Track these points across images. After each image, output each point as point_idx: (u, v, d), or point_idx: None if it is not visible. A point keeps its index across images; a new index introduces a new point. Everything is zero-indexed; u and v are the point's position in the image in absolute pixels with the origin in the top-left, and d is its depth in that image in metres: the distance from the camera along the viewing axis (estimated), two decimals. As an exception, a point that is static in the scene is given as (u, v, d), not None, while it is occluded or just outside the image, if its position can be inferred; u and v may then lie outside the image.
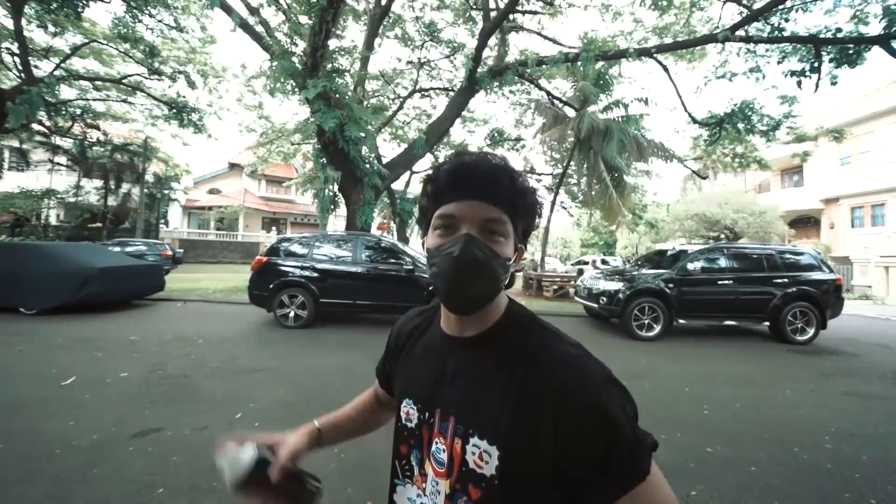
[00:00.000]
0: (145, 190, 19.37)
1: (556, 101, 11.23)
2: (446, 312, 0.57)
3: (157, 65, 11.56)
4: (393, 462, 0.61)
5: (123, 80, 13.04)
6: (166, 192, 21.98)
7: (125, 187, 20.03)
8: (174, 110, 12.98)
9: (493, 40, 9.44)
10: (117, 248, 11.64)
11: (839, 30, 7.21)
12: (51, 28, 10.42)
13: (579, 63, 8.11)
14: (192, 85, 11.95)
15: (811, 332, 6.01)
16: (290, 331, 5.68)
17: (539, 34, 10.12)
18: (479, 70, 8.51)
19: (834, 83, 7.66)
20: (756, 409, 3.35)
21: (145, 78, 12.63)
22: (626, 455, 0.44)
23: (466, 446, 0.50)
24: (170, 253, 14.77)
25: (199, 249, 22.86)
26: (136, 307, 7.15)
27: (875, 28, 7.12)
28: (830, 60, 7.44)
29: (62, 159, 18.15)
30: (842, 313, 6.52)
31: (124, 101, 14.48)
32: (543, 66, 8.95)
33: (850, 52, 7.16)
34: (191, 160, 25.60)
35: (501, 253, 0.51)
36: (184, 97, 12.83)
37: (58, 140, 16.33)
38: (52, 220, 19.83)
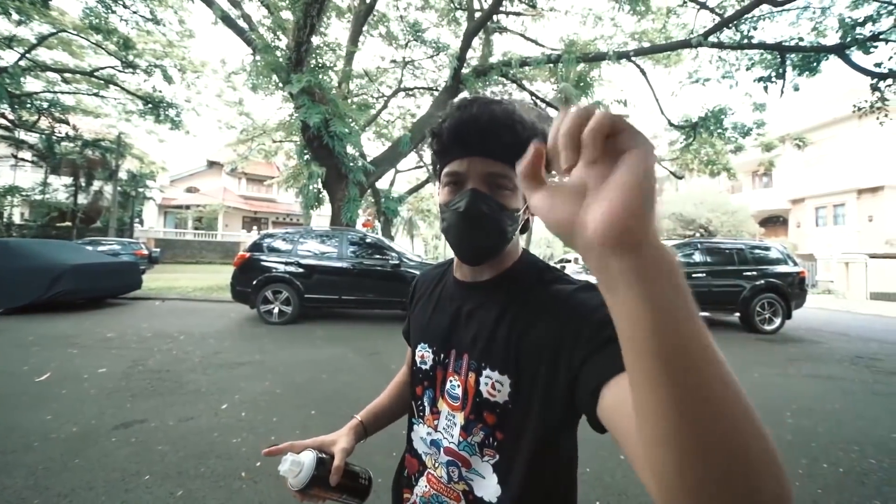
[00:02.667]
0: (119, 188, 18.62)
1: (539, 102, 11.47)
2: (460, 262, 0.60)
3: (131, 58, 11.19)
4: (410, 403, 0.64)
5: (95, 73, 12.56)
6: (141, 190, 21.22)
7: (97, 185, 19.23)
8: (150, 105, 12.60)
9: (477, 41, 9.58)
10: (90, 248, 11.17)
11: (801, 39, 7.68)
12: (14, 16, 9.94)
13: (561, 64, 8.33)
14: (168, 79, 11.63)
15: (778, 321, 6.37)
16: (275, 326, 5.63)
17: (522, 36, 10.34)
18: (463, 70, 8.63)
19: (796, 90, 8.16)
20: (726, 390, 3.56)
21: (119, 71, 12.22)
22: (610, 342, 0.41)
23: (480, 378, 0.52)
24: (145, 252, 14.27)
25: (176, 249, 22.17)
26: (112, 305, 6.91)
27: (832, 39, 7.62)
28: (794, 68, 7.92)
29: (27, 155, 17.27)
30: (807, 307, 6.93)
31: (96, 94, 13.95)
32: (526, 67, 9.15)
33: (811, 60, 7.64)
34: (167, 157, 24.85)
35: (508, 205, 0.52)
36: (160, 92, 12.46)
37: (22, 134, 15.56)
38: (16, 219, 18.83)
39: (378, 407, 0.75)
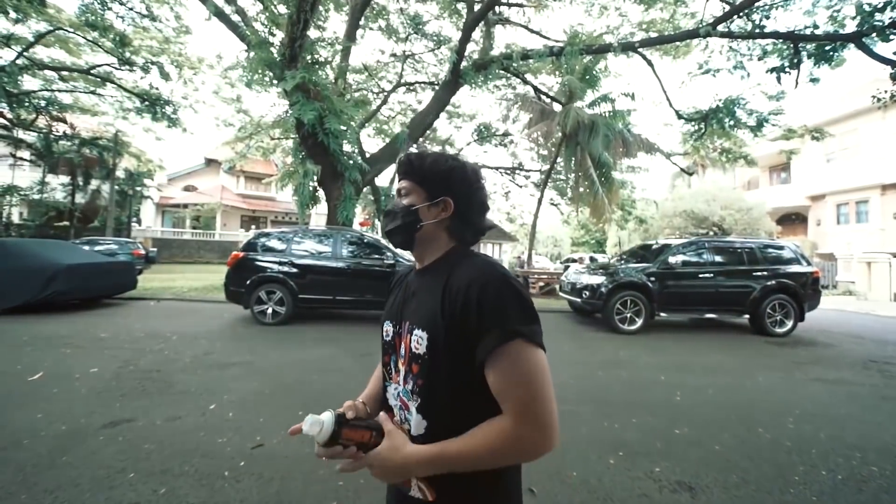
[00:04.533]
0: (116, 187, 18.95)
1: (543, 96, 11.47)
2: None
3: (127, 55, 11.39)
4: (382, 370, 0.83)
5: (92, 71, 12.80)
6: (138, 189, 21.52)
7: (94, 184, 19.57)
8: (147, 103, 12.79)
9: (477, 34, 9.60)
10: (86, 247, 11.43)
11: (816, 27, 7.58)
12: (12, 14, 10.19)
13: (564, 57, 8.32)
14: (165, 76, 11.80)
15: (790, 324, 6.32)
16: (268, 327, 5.74)
17: (525, 27, 10.33)
18: (463, 64, 8.66)
19: (814, 82, 8.05)
20: (727, 394, 3.56)
21: (115, 68, 12.43)
22: (485, 329, 0.63)
23: (411, 336, 0.72)
24: (142, 252, 14.53)
25: (173, 249, 22.49)
26: (107, 306, 7.08)
27: (852, 27, 7.50)
28: (810, 57, 7.81)
29: (25, 154, 17.65)
30: (825, 308, 6.82)
31: (93, 92, 14.21)
32: (529, 61, 9.15)
33: (828, 49, 7.53)
34: (165, 156, 25.22)
35: (405, 204, 0.78)
36: (157, 89, 12.65)
37: (20, 133, 15.92)
38: (15, 219, 19.28)
39: (372, 391, 0.90)
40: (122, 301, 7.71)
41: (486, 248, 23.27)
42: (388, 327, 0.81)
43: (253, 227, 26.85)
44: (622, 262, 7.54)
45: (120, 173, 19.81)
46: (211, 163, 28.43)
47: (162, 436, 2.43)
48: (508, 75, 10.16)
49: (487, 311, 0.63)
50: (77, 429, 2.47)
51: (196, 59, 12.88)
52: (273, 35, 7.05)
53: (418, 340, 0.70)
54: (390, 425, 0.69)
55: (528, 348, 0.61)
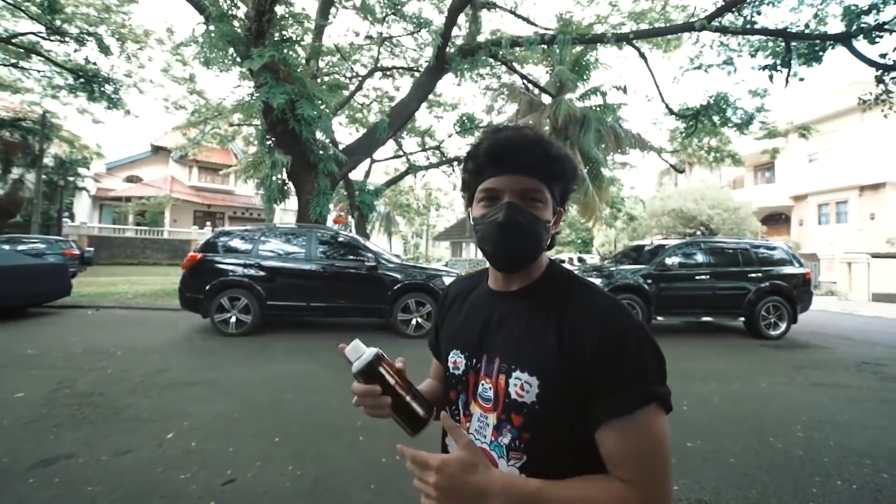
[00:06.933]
0: (43, 176, 17.68)
1: (532, 87, 11.57)
2: (494, 271, 0.71)
3: (58, 23, 10.58)
4: (445, 409, 0.73)
5: (13, 40, 11.80)
6: (71, 179, 20.28)
7: (16, 172, 18.22)
8: (81, 80, 11.95)
9: (463, 18, 9.54)
10: (7, 247, 10.52)
11: (808, 26, 8.02)
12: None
13: (556, 46, 8.40)
14: (105, 50, 11.07)
15: (783, 326, 6.65)
16: (232, 338, 5.50)
17: (512, 13, 10.37)
18: (448, 49, 8.57)
19: (801, 80, 8.54)
20: (734, 402, 3.66)
21: (43, 38, 11.53)
22: (620, 386, 0.55)
23: (509, 380, 0.62)
24: (76, 252, 13.58)
25: (114, 248, 21.44)
26: (34, 316, 6.58)
27: (834, 27, 7.99)
28: (798, 56, 8.27)
29: (-72, 136, 16.12)
30: (811, 309, 7.25)
31: (14, 65, 13.13)
32: (518, 49, 9.18)
33: (817, 49, 7.99)
34: (103, 141, 23.60)
35: (541, 216, 0.64)
36: (94, 64, 11.84)
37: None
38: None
39: (428, 385, 0.85)
40: (52, 310, 7.19)
41: (470, 248, 23.36)
42: (459, 358, 0.71)
43: (208, 223, 25.73)
44: (615, 263, 7.70)
45: (48, 160, 18.57)
46: (159, 150, 27.17)
47: (110, 474, 2.19)
48: (493, 63, 10.15)
49: (629, 367, 0.56)
50: (0, 471, 2.19)
51: (142, 31, 12.13)
52: (237, 7, 6.69)
53: (523, 386, 0.61)
54: (467, 438, 0.57)
55: (662, 415, 0.56)
